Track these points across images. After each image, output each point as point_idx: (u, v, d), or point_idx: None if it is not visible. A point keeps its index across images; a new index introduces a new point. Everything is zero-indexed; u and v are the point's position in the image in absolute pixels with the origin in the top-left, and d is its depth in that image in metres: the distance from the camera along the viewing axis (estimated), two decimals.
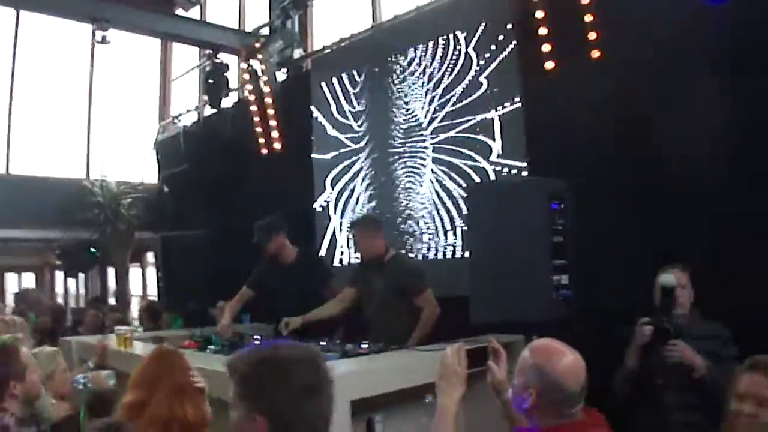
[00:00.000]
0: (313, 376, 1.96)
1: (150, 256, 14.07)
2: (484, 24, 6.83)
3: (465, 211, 6.45)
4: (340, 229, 8.45)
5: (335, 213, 8.55)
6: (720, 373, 3.59)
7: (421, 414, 3.18)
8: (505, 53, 6.62)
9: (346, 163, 8.42)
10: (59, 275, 16.70)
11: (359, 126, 8.26)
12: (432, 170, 7.37)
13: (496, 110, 6.67)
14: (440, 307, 5.36)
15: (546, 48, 6.10)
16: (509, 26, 6.61)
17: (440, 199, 7.25)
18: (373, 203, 8.05)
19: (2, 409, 3.25)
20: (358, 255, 6.12)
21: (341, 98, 8.51)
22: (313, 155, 8.94)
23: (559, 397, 2.49)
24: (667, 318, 3.71)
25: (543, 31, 6.13)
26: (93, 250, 13.26)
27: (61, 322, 8.82)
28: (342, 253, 8.41)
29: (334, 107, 8.61)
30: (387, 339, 4.96)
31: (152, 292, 13.14)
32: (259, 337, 5.30)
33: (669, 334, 3.68)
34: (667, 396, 3.80)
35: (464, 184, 6.83)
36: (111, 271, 14.86)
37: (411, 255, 7.38)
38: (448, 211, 7.15)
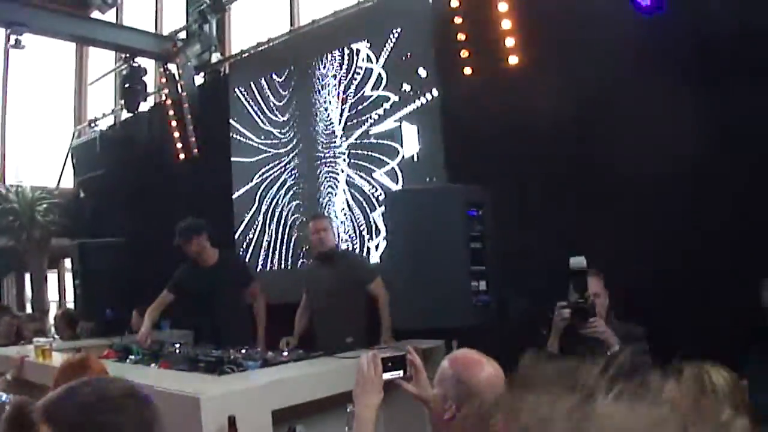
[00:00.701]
0: (143, 414, 1.81)
1: (67, 263, 13.77)
2: (400, 29, 6.87)
3: (381, 217, 6.54)
4: (267, 234, 8.42)
5: (258, 214, 8.52)
6: (631, 354, 3.73)
7: (343, 423, 3.19)
8: (421, 59, 6.67)
9: (265, 168, 8.39)
10: None
11: (281, 132, 8.23)
12: (347, 176, 7.42)
13: (412, 116, 6.72)
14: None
15: (464, 54, 6.17)
16: (426, 32, 6.65)
17: (356, 205, 7.30)
18: (294, 204, 8.05)
19: None
20: (312, 250, 6.18)
21: (260, 103, 8.47)
22: (232, 159, 8.88)
23: (477, 408, 2.53)
24: (582, 299, 3.80)
25: (461, 36, 6.19)
26: None
27: None
28: (267, 257, 8.39)
29: (252, 112, 8.57)
30: (345, 331, 5.08)
31: (70, 300, 12.85)
32: (178, 345, 5.25)
33: (587, 313, 3.77)
34: None
35: (379, 191, 6.91)
36: (27, 279, 14.53)
37: None
38: (365, 217, 7.19)
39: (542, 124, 5.43)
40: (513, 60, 5.86)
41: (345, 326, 5.27)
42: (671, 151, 4.51)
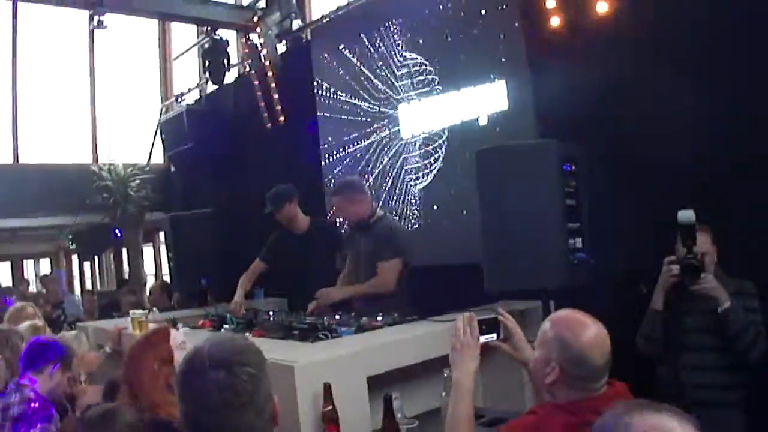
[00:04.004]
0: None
1: (162, 236, 14.13)
2: None
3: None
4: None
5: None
6: (740, 314, 3.66)
7: (440, 388, 3.11)
8: (506, 14, 6.45)
9: (353, 130, 8.34)
10: (75, 259, 16.94)
11: (368, 93, 8.13)
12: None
13: (498, 72, 6.52)
14: (454, 276, 5.26)
15: (550, 3, 5.90)
16: None
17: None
18: (384, 163, 7.98)
19: None
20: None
21: (345, 65, 8.41)
22: (320, 123, 8.83)
23: (583, 371, 2.39)
24: (691, 254, 3.64)
25: None
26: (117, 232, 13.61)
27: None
28: None
29: (338, 75, 8.51)
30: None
31: (166, 272, 13.17)
32: (272, 313, 5.26)
33: (697, 269, 3.64)
34: (688, 337, 3.82)
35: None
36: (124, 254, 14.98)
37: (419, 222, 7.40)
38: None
39: (636, 75, 5.19)
40: (602, 7, 5.57)
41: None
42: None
